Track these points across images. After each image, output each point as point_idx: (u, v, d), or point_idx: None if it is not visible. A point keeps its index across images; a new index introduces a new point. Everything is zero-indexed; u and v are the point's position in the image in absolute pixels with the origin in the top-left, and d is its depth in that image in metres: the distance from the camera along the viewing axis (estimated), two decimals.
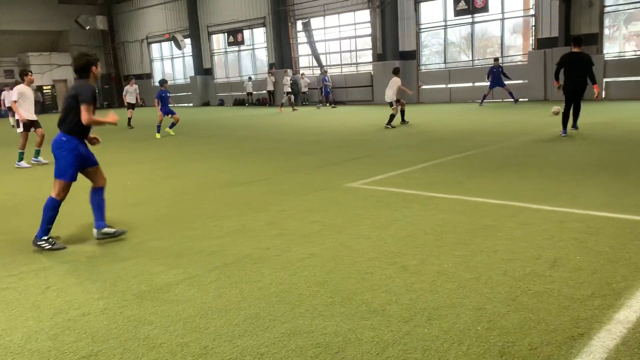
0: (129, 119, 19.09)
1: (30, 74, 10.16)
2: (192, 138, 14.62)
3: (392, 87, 14.43)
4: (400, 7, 24.44)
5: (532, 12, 21.38)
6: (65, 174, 4.79)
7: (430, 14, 24.31)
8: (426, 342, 2.80)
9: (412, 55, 24.63)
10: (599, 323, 2.89)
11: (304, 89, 27.90)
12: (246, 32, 31.51)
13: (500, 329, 2.90)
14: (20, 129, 10.50)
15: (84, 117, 4.68)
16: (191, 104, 34.14)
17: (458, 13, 22.79)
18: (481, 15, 22.52)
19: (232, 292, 3.62)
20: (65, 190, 4.88)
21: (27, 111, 10.32)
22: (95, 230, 4.99)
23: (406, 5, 24.29)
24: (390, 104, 14.43)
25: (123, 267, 4.25)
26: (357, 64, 27.57)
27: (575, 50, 10.15)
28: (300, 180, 7.59)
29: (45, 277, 4.13)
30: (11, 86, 20.03)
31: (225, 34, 32.49)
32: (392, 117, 14.21)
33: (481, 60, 23.59)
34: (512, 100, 20.40)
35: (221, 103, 33.47)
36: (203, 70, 34.07)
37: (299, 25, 28.72)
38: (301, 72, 28.97)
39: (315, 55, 28.03)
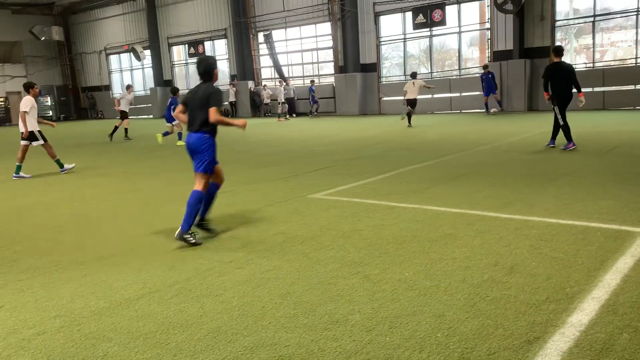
0: (126, 129, 18.03)
1: (35, 86, 10.36)
2: (151, 151, 14.39)
3: (416, 86, 16.99)
4: (361, 20, 24.81)
5: (487, 25, 22.05)
6: (211, 168, 5.18)
7: (390, 27, 24.76)
8: (388, 350, 2.84)
9: (373, 68, 25.00)
10: (554, 327, 2.99)
11: (266, 101, 27.91)
12: (207, 44, 31.33)
13: (460, 335, 2.96)
14: (41, 141, 10.50)
15: (213, 117, 5.02)
16: (151, 116, 33.65)
17: (417, 27, 23.29)
18: (439, 28, 23.08)
19: (193, 307, 3.57)
20: (208, 184, 5.24)
21: (34, 123, 10.41)
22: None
23: (366, 19, 24.68)
24: (414, 104, 17.12)
25: (81, 284, 4.15)
26: (319, 75, 27.77)
27: (556, 60, 9.94)
28: (263, 192, 7.57)
29: None
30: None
31: (186, 45, 32.22)
32: (409, 116, 17.21)
33: (440, 72, 24.13)
34: (486, 110, 20.67)
35: None
36: (163, 81, 33.65)
37: (261, 37, 28.75)
38: (263, 83, 29.00)
39: (277, 67, 28.11)
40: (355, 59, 25.03)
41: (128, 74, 37.10)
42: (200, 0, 30.83)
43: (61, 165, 10.77)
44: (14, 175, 10.48)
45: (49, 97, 37.90)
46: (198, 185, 5.13)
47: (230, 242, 5.10)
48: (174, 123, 15.25)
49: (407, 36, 24.31)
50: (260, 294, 3.74)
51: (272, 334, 3.11)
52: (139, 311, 3.55)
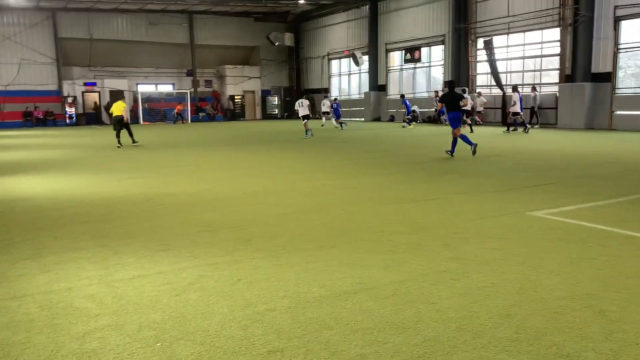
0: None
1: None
2: (361, 152, 14.94)
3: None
4: (597, 26, 22.34)
5: None
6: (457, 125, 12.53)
7: (631, 32, 21.83)
8: None
9: (606, 78, 22.34)
10: None
11: (479, 109, 26.94)
12: (424, 50, 31.47)
13: None
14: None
15: (464, 103, 12.75)
16: (363, 119, 35.06)
17: None
18: None
19: (409, 311, 3.58)
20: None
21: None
22: (472, 148, 12.47)
23: (604, 24, 22.13)
24: None
25: (304, 270, 4.47)
26: (540, 84, 25.83)
27: None
28: (475, 203, 7.29)
29: (237, 270, 4.51)
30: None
31: (403, 51, 32.80)
32: None
33: None
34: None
35: (391, 119, 33.78)
36: (377, 86, 34.78)
37: (480, 43, 27.85)
38: (477, 90, 28.06)
39: (495, 74, 26.92)
40: (585, 68, 22.65)
41: (345, 78, 39.23)
42: (422, 7, 31.09)
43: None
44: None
45: (276, 97, 42.06)
46: (458, 132, 12.36)
47: (442, 250, 5.01)
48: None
49: None
50: (478, 310, 3.58)
51: (492, 354, 2.94)
52: (357, 305, 3.68)
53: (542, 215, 6.43)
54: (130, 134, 17.97)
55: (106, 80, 36.54)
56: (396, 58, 34.25)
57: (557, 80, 24.42)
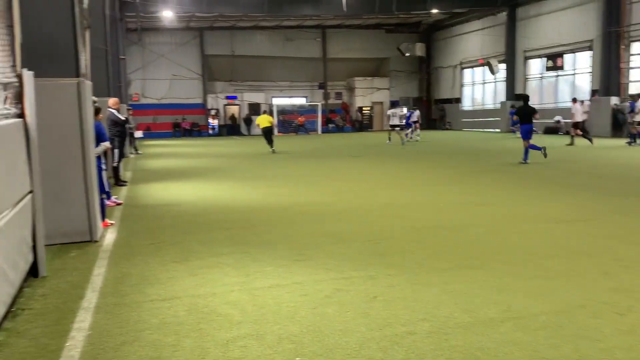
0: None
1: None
2: (488, 164, 14.11)
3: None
4: None
5: None
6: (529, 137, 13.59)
7: None
8: None
9: None
10: None
11: (637, 118, 24.25)
12: (567, 57, 29.20)
13: None
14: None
15: (537, 117, 13.82)
16: (498, 130, 33.39)
17: None
18: None
19: (567, 347, 3.20)
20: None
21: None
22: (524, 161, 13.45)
23: None
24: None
25: (443, 291, 4.23)
26: None
27: None
28: (636, 226, 6.47)
29: (372, 286, 4.39)
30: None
31: (544, 58, 30.74)
32: None
33: None
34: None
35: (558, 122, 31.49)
36: (514, 95, 32.93)
37: (634, 48, 25.17)
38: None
39: None
40: None
41: (479, 88, 37.72)
42: (566, 11, 28.92)
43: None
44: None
45: (404, 108, 41.67)
46: (527, 143, 13.47)
47: (602, 280, 4.46)
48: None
49: None
50: None
51: None
52: (505, 336, 3.38)
53: None
54: (271, 143, 19.31)
55: (245, 93, 38.85)
56: (535, 66, 32.22)
57: None
